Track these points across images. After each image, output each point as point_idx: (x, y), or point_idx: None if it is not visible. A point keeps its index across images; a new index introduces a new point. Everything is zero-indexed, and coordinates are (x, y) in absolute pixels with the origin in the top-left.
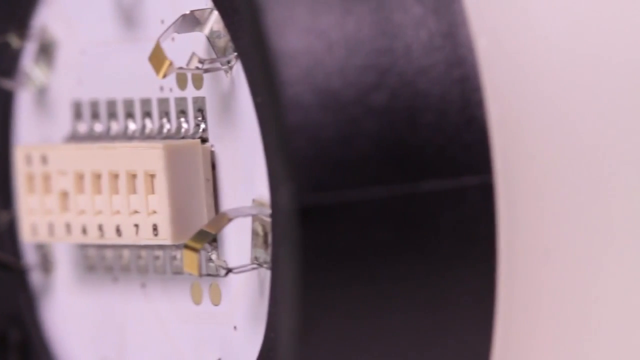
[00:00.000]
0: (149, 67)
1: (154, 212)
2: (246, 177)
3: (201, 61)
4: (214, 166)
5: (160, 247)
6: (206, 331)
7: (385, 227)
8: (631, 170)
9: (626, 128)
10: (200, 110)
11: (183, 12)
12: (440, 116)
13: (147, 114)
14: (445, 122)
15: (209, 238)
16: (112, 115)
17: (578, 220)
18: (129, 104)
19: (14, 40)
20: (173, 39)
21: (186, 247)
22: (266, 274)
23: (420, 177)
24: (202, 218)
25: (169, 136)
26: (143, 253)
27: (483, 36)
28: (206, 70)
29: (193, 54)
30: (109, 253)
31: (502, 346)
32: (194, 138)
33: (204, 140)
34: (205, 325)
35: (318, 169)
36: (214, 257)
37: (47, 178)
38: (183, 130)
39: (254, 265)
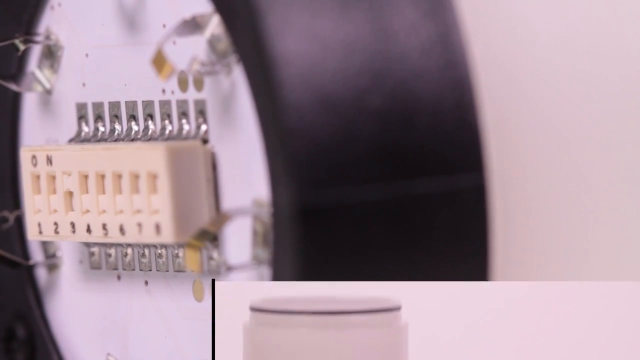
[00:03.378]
0: (151, 70)
1: (157, 211)
2: (246, 177)
3: (202, 64)
4: (214, 166)
5: (163, 245)
6: (208, 327)
7: (382, 225)
8: (624, 170)
9: (618, 130)
10: (201, 112)
11: (184, 17)
12: (435, 118)
13: (150, 116)
14: (439, 124)
15: (210, 236)
16: (115, 117)
17: (571, 219)
18: (131, 106)
19: (19, 44)
20: (174, 42)
21: (188, 245)
22: (266, 271)
23: (415, 177)
24: (203, 217)
25: (170, 137)
26: (146, 251)
27: (477, 39)
28: (207, 73)
29: (194, 57)
30: (113, 251)
31: None
32: (195, 139)
33: (204, 141)
34: (207, 321)
35: (316, 169)
36: (215, 255)
37: (52, 178)
38: (184, 131)
39: (254, 264)
